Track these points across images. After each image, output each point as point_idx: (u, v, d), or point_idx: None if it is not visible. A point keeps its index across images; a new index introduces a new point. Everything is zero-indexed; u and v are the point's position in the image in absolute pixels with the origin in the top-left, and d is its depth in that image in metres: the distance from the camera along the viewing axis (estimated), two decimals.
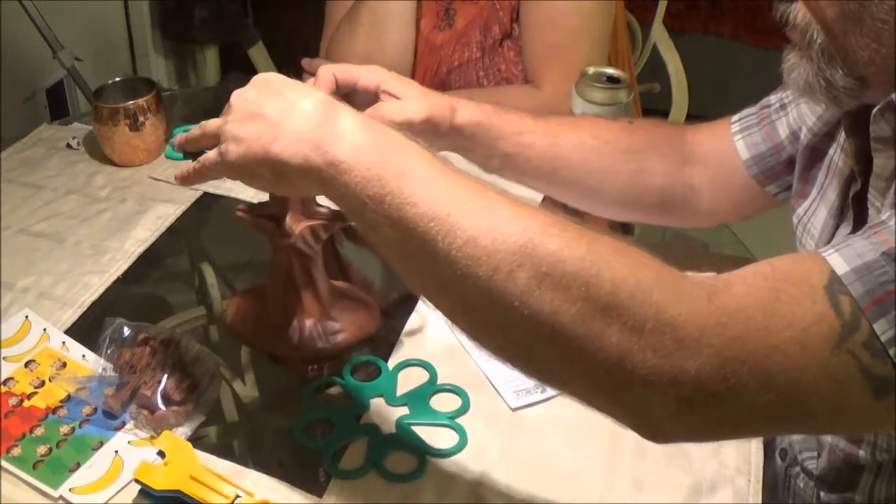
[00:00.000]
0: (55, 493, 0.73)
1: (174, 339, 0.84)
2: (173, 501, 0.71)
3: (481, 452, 0.78)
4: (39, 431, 0.78)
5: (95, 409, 0.80)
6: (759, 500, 0.74)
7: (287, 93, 0.66)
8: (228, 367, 0.91)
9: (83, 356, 0.86)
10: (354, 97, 0.85)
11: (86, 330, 0.90)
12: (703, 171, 0.94)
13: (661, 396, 0.54)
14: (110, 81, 1.23)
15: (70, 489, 0.73)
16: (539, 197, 0.97)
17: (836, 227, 0.76)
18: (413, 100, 0.83)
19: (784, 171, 0.89)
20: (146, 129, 1.17)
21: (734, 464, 0.77)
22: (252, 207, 0.86)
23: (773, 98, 0.90)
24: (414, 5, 1.31)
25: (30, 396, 0.81)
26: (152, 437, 0.77)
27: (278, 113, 0.64)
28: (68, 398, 0.81)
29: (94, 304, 0.95)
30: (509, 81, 1.32)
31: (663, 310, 0.54)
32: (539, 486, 0.75)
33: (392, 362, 0.87)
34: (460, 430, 0.79)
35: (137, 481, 0.72)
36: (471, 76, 1.32)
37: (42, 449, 0.76)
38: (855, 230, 0.72)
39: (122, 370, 0.83)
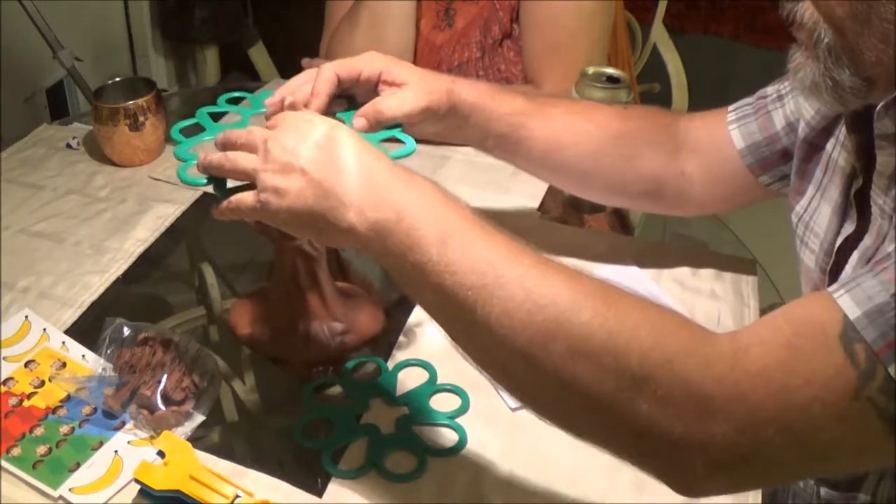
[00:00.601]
0: (55, 493, 0.73)
1: (174, 339, 0.84)
2: (173, 501, 0.71)
3: (481, 452, 0.78)
4: (39, 431, 0.78)
5: (95, 409, 0.80)
6: (759, 500, 0.74)
7: (324, 143, 0.66)
8: (228, 367, 0.91)
9: (83, 356, 0.86)
10: (356, 89, 0.85)
11: (86, 330, 0.90)
12: (696, 160, 0.94)
13: (690, 461, 0.57)
14: (110, 81, 1.23)
15: (70, 489, 0.73)
16: (537, 193, 0.97)
17: (840, 225, 0.76)
18: (411, 90, 0.84)
19: (778, 162, 0.89)
20: (146, 129, 1.17)
21: None
22: None
23: (770, 89, 0.90)
24: (414, 5, 1.31)
25: (30, 396, 0.81)
26: (152, 437, 0.77)
27: (319, 168, 0.65)
28: (68, 398, 0.81)
29: (94, 304, 0.95)
30: (509, 81, 1.32)
31: (690, 380, 0.56)
32: (539, 486, 0.75)
33: (392, 362, 0.87)
34: (460, 430, 0.79)
35: (137, 481, 0.71)
36: (471, 76, 1.32)
37: (42, 449, 0.76)
38: (858, 228, 0.72)
39: (122, 370, 0.83)
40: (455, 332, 0.65)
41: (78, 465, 0.75)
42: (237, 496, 0.71)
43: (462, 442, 0.78)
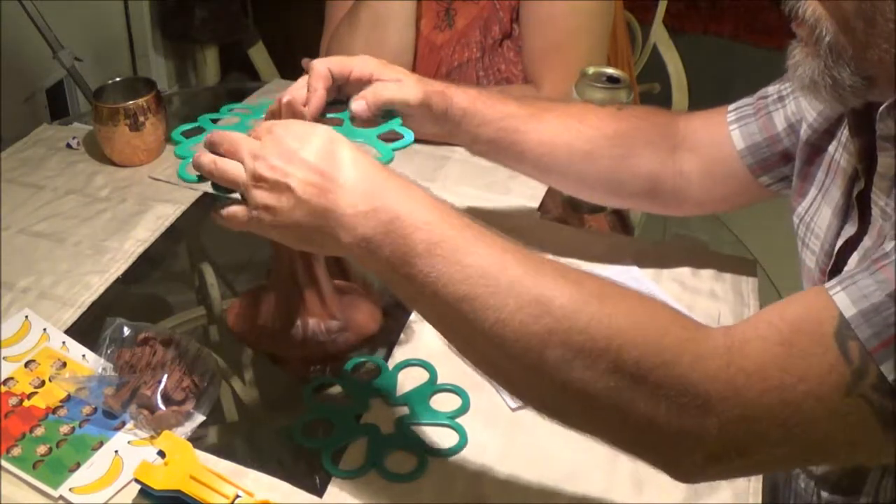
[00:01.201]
0: (55, 493, 0.73)
1: (174, 339, 0.84)
2: (173, 501, 0.71)
3: (481, 452, 0.78)
4: (39, 431, 0.78)
5: (95, 409, 0.80)
6: (759, 501, 0.75)
7: (312, 161, 0.65)
8: (228, 367, 0.91)
9: (83, 356, 0.86)
10: (348, 88, 0.85)
11: (86, 330, 0.90)
12: (694, 159, 0.94)
13: (688, 452, 0.58)
14: (110, 81, 1.23)
15: (70, 489, 0.73)
16: (537, 193, 0.97)
17: (841, 227, 0.76)
18: (408, 85, 0.85)
19: (779, 163, 0.89)
20: (146, 129, 1.17)
21: None
22: None
23: (770, 89, 0.90)
24: (414, 5, 1.31)
25: (30, 396, 0.81)
26: (152, 437, 0.77)
27: (308, 187, 0.65)
28: (68, 398, 0.81)
29: (94, 304, 0.95)
30: (509, 81, 1.32)
31: (686, 379, 0.57)
32: (539, 485, 0.75)
33: (392, 362, 0.87)
34: (460, 430, 0.79)
35: (137, 481, 0.71)
36: (471, 76, 1.32)
37: (42, 449, 0.76)
38: (859, 230, 0.73)
39: (122, 370, 0.83)
40: (453, 340, 0.66)
41: (78, 465, 0.75)
42: (237, 496, 0.71)
43: (462, 442, 0.78)
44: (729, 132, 0.91)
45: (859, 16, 0.60)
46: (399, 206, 0.63)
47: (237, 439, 0.88)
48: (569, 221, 1.13)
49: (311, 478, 0.76)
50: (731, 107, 0.93)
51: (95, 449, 0.76)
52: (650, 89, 1.83)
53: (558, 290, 0.60)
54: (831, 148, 0.80)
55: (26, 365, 0.85)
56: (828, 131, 0.81)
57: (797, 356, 0.56)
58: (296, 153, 0.66)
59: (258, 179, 0.66)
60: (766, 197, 0.93)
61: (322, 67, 0.83)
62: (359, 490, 0.74)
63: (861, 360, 0.55)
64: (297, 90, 0.83)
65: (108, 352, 0.85)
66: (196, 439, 0.79)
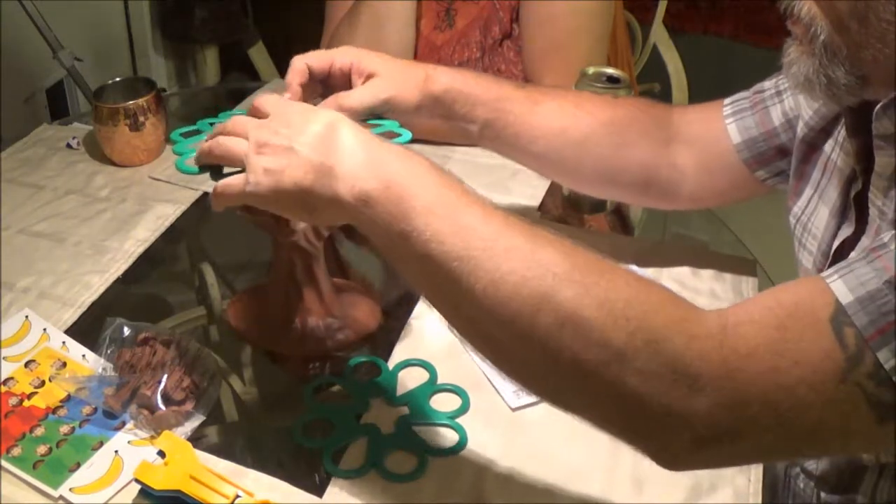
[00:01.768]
0: (55, 493, 0.73)
1: (174, 339, 0.84)
2: (173, 501, 0.71)
3: (481, 452, 0.78)
4: (39, 431, 0.78)
5: (95, 409, 0.80)
6: (759, 501, 0.75)
7: (312, 125, 0.66)
8: (228, 367, 0.91)
9: (83, 356, 0.86)
10: (331, 81, 0.85)
11: (86, 330, 0.90)
12: (689, 153, 0.93)
13: (677, 435, 0.57)
14: (110, 81, 1.23)
15: (70, 489, 0.73)
16: (537, 193, 0.97)
17: (838, 227, 0.76)
18: (377, 81, 0.84)
19: (775, 158, 0.89)
20: (146, 129, 1.17)
21: None
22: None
23: (767, 83, 0.90)
24: (414, 5, 1.31)
25: (30, 396, 0.81)
26: (152, 437, 0.77)
27: (307, 146, 0.65)
28: (68, 398, 0.81)
29: (94, 304, 0.95)
30: None
31: (677, 357, 0.56)
32: (539, 485, 0.75)
33: (392, 362, 0.87)
34: (460, 430, 0.79)
35: (137, 481, 0.72)
36: None
37: (42, 449, 0.76)
38: (857, 230, 0.72)
39: (122, 370, 0.83)
40: (441, 304, 0.64)
41: (78, 465, 0.75)
42: (237, 496, 0.71)
43: (462, 442, 0.78)
44: (725, 126, 0.91)
45: (853, 16, 0.60)
46: (399, 166, 0.63)
47: (237, 439, 0.88)
48: (569, 221, 1.13)
49: (311, 478, 0.76)
50: (727, 101, 0.92)
51: (95, 449, 0.76)
52: (650, 89, 1.83)
53: (556, 259, 0.59)
54: (827, 147, 0.80)
55: (26, 365, 0.85)
56: (824, 130, 0.80)
57: (791, 340, 0.55)
58: (300, 124, 0.67)
59: (262, 146, 0.67)
60: (762, 191, 0.93)
61: (300, 63, 0.84)
62: (359, 490, 0.74)
63: (857, 347, 0.54)
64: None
65: (108, 352, 0.85)
66: (196, 439, 0.79)
